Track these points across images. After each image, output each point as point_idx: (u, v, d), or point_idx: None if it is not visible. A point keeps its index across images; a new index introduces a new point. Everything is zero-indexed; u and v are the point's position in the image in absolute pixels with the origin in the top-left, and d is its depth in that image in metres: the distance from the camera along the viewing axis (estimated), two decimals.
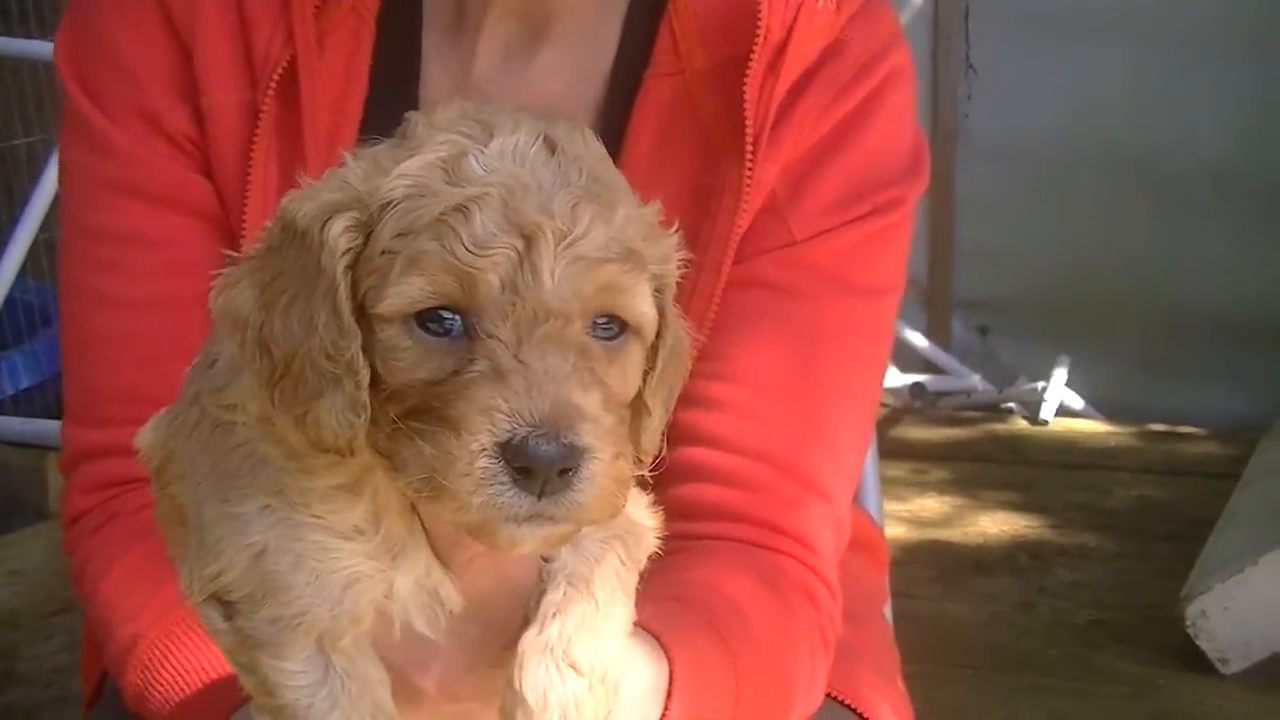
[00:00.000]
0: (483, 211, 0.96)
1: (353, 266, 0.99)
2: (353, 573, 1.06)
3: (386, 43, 1.56)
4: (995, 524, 4.17)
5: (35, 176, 4.34)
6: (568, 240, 0.97)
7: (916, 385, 5.00)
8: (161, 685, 1.38)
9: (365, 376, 0.99)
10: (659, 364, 1.08)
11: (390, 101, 1.51)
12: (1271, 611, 3.24)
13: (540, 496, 0.95)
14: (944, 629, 3.52)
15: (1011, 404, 5.02)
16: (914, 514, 4.22)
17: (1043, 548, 4.00)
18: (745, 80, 1.47)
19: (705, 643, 1.31)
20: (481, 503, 0.95)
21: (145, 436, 1.15)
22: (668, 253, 1.07)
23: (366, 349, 1.00)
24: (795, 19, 1.50)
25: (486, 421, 0.95)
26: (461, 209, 0.96)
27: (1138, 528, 4.08)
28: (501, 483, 0.95)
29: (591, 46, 1.56)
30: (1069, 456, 4.65)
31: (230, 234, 1.51)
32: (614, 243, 0.99)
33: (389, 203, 0.98)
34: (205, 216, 1.53)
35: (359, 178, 1.00)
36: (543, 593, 1.10)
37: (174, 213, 1.53)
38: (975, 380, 5.07)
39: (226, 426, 1.08)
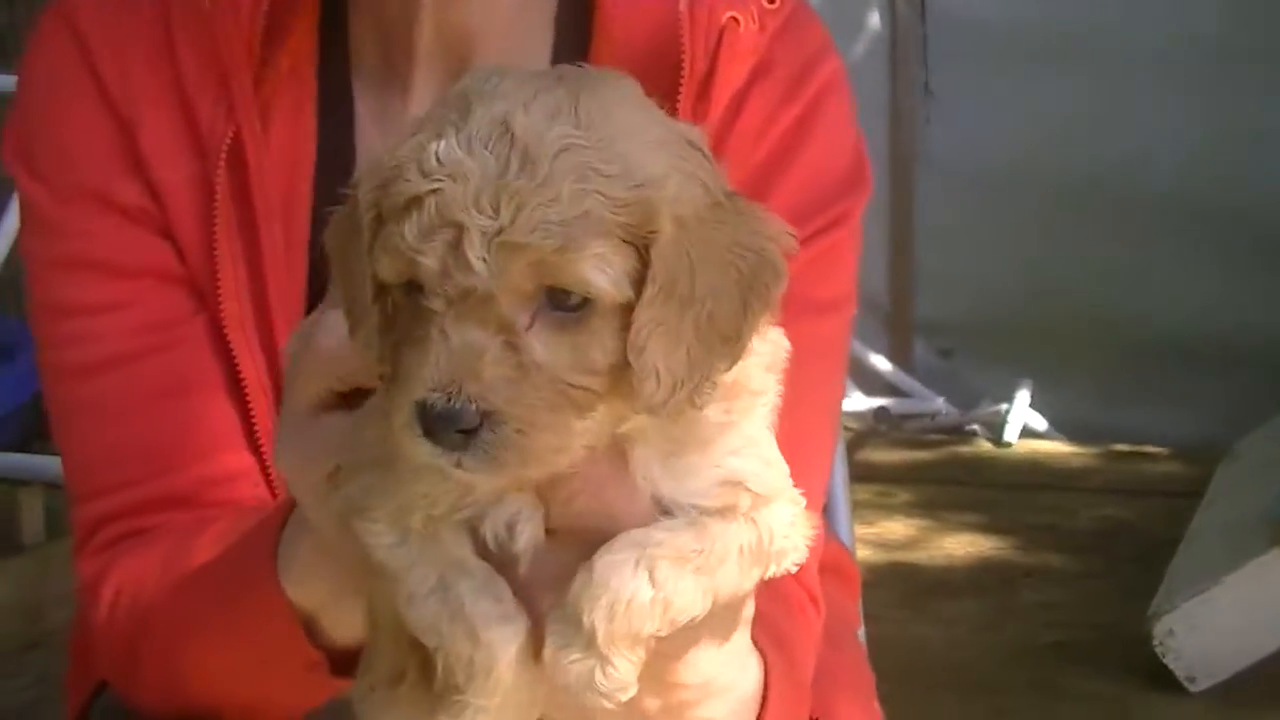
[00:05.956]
0: (425, 209, 1.10)
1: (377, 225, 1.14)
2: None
3: (326, 100, 1.57)
4: (960, 546, 4.19)
5: None
6: (491, 230, 1.08)
7: (881, 409, 5.03)
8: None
9: (374, 320, 1.15)
10: (648, 313, 1.09)
11: (336, 163, 1.54)
12: (1237, 630, 3.28)
13: (456, 451, 1.09)
14: (910, 652, 3.53)
15: (975, 426, 5.04)
16: (879, 537, 4.24)
17: (1008, 569, 4.03)
18: (675, 115, 1.39)
19: (765, 644, 1.33)
20: (413, 452, 1.10)
21: None
22: (672, 193, 1.10)
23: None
24: (718, 45, 1.50)
25: (411, 382, 1.10)
26: (414, 202, 1.10)
27: (1102, 548, 4.11)
28: (419, 437, 1.09)
29: None
30: (1033, 478, 4.69)
31: (199, 292, 1.54)
32: (545, 224, 1.07)
33: (384, 183, 1.13)
34: (167, 277, 1.54)
35: (394, 147, 1.14)
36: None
37: (134, 278, 1.54)
38: (939, 403, 5.09)
39: None
